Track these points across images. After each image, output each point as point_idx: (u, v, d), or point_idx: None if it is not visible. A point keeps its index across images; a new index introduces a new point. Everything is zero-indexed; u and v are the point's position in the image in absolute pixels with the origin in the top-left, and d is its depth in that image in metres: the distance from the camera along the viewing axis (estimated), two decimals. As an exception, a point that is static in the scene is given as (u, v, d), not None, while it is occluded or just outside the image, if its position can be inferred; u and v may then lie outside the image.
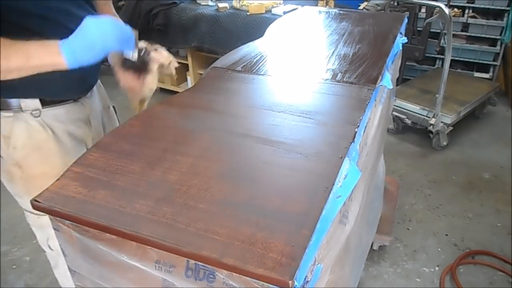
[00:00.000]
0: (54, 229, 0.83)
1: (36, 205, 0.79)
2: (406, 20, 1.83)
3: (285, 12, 3.17)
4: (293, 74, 1.28)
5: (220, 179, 0.82)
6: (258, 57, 1.38)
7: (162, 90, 3.82)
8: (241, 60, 1.36)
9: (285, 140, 0.94)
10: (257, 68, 1.31)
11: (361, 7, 3.53)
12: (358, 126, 0.98)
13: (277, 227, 0.70)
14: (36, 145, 1.09)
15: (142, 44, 1.05)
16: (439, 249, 2.18)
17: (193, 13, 3.48)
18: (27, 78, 0.92)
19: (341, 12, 1.89)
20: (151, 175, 0.84)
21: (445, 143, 2.99)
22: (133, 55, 0.98)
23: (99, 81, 1.26)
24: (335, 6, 3.61)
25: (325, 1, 3.62)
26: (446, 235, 2.27)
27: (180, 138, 0.95)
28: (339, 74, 1.25)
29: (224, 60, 1.37)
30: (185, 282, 0.71)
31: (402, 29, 1.71)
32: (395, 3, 3.40)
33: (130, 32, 0.97)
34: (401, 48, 1.64)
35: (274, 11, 3.40)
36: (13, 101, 1.05)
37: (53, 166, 1.11)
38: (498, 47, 3.57)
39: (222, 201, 0.76)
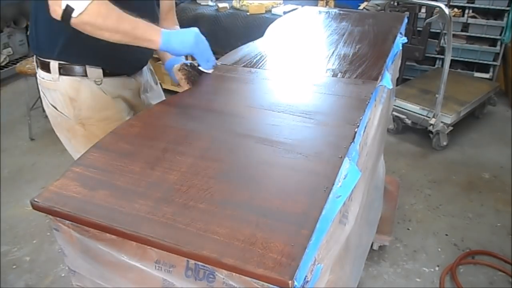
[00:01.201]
0: (54, 229, 0.83)
1: (36, 205, 0.79)
2: (406, 20, 1.83)
3: (285, 12, 3.18)
4: (293, 74, 1.28)
5: (220, 179, 0.82)
6: (258, 57, 1.38)
7: (162, 90, 3.82)
8: (241, 60, 1.36)
9: (285, 140, 0.94)
10: (257, 68, 1.31)
11: (361, 7, 3.53)
12: (358, 126, 0.98)
13: (277, 227, 0.70)
14: (98, 106, 1.29)
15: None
16: (439, 249, 2.17)
17: (193, 13, 3.48)
18: (95, 49, 1.17)
19: (341, 12, 1.89)
20: (151, 175, 0.84)
21: (445, 143, 2.99)
22: (208, 70, 1.27)
23: (149, 63, 1.52)
24: (335, 6, 3.61)
25: (325, 1, 3.62)
26: (446, 235, 2.27)
27: (180, 138, 0.95)
28: (339, 74, 1.25)
29: (224, 60, 1.37)
30: (185, 282, 0.72)
31: (402, 29, 1.71)
32: (395, 3, 3.40)
33: (212, 55, 1.27)
34: (401, 48, 1.64)
35: (274, 11, 3.40)
36: (80, 68, 1.24)
37: (111, 123, 1.29)
38: (498, 47, 3.57)
39: (222, 201, 0.76)
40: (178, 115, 1.06)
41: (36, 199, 0.79)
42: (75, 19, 1.04)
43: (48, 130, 3.34)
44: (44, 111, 3.46)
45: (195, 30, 1.21)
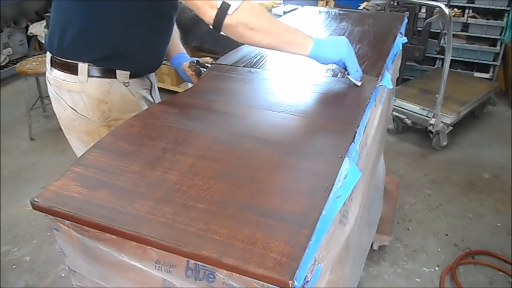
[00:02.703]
0: (54, 229, 0.83)
1: (36, 205, 0.79)
2: (406, 20, 1.83)
3: (285, 12, 3.18)
4: (293, 74, 1.28)
5: (220, 179, 0.82)
6: (258, 57, 1.38)
7: (162, 90, 3.81)
8: (241, 60, 1.36)
9: (285, 140, 0.94)
10: (257, 67, 1.31)
11: (361, 7, 3.53)
12: (358, 126, 0.98)
13: (277, 227, 0.70)
14: (128, 108, 1.28)
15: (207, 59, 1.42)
16: (439, 249, 2.18)
17: (193, 13, 3.45)
18: (132, 54, 1.21)
19: (341, 12, 1.89)
20: (151, 175, 0.84)
21: (445, 143, 2.99)
22: (357, 81, 1.17)
23: None
24: (335, 6, 3.62)
25: (325, 1, 3.63)
26: (446, 235, 2.27)
27: (180, 138, 0.95)
28: (339, 74, 1.25)
29: (224, 60, 1.37)
30: (185, 282, 0.72)
31: (402, 29, 1.71)
32: (395, 3, 3.40)
33: (358, 66, 1.18)
34: (401, 48, 1.64)
35: (274, 11, 3.40)
36: (110, 71, 1.23)
37: None
38: (498, 47, 3.57)
39: (222, 201, 0.76)
40: (178, 115, 1.06)
41: (36, 199, 0.79)
42: (230, 18, 1.00)
43: (48, 130, 3.35)
44: (44, 111, 3.50)
45: (345, 38, 1.17)
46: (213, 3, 1.00)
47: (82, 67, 1.19)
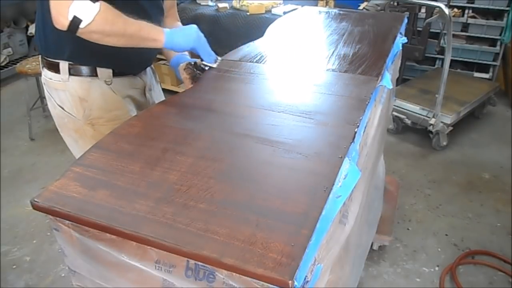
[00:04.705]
0: (54, 229, 0.83)
1: (36, 205, 0.79)
2: (406, 20, 1.83)
3: (285, 12, 3.17)
4: (293, 74, 1.28)
5: (220, 179, 0.82)
6: (258, 57, 1.38)
7: (162, 90, 3.82)
8: (241, 60, 1.36)
9: (285, 140, 0.94)
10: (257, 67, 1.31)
11: (361, 7, 3.53)
12: (358, 126, 0.98)
13: (277, 227, 0.70)
14: (109, 106, 1.30)
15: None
16: (439, 249, 2.17)
17: (193, 13, 3.48)
18: (105, 50, 1.16)
19: (341, 12, 1.89)
20: (151, 175, 0.84)
21: (445, 143, 2.99)
22: (212, 64, 1.31)
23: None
24: (335, 6, 3.61)
25: (325, 1, 3.62)
26: (446, 235, 2.27)
27: (180, 138, 0.95)
28: (339, 72, 1.25)
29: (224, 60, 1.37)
30: (185, 282, 0.72)
31: (402, 29, 1.71)
32: (395, 3, 3.40)
33: (211, 50, 1.31)
34: (401, 48, 1.64)
35: (274, 11, 3.40)
36: (91, 69, 1.25)
37: (120, 123, 1.30)
38: (498, 47, 3.57)
39: (222, 201, 0.76)
40: (178, 115, 1.06)
41: (36, 199, 0.79)
42: (83, 30, 1.03)
43: (48, 130, 3.35)
44: (44, 111, 3.50)
45: (194, 26, 1.25)
46: (64, 13, 1.00)
47: (63, 65, 1.23)
